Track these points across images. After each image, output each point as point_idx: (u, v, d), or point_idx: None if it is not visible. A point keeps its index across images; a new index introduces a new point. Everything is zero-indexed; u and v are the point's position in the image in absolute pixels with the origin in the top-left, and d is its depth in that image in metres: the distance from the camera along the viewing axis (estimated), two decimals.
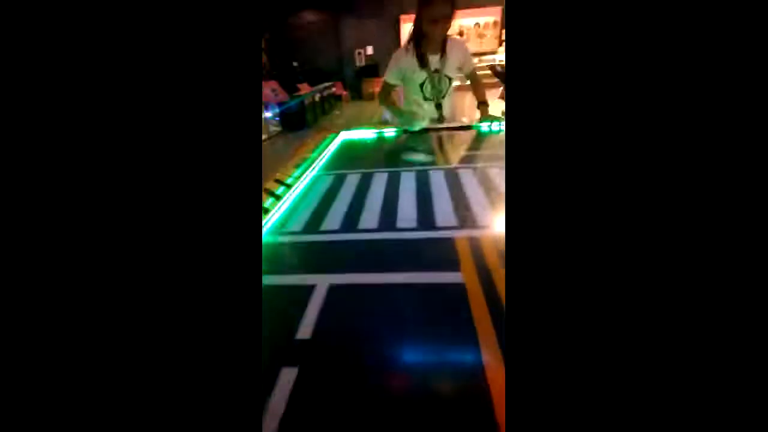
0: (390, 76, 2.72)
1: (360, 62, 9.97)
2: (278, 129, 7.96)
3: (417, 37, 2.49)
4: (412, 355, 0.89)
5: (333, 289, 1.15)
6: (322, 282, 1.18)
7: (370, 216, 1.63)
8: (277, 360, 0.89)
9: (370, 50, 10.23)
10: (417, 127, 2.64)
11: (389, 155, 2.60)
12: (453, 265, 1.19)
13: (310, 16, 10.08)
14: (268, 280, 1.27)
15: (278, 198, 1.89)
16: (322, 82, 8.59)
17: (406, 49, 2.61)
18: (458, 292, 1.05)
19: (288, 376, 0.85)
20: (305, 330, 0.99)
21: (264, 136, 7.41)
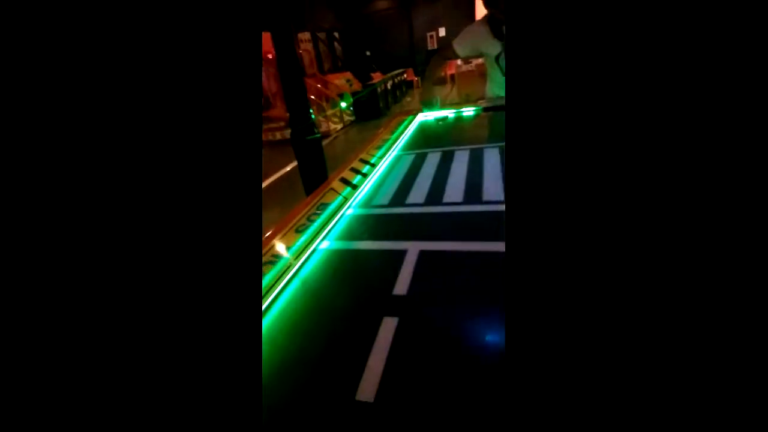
0: (458, 44, 2.59)
1: (432, 45, 9.73)
2: (352, 119, 8.17)
3: (491, 2, 2.38)
4: (494, 310, 0.92)
5: (423, 254, 1.22)
6: (412, 248, 1.26)
7: (454, 191, 1.66)
8: (378, 311, 1.00)
9: (442, 32, 9.90)
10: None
11: (469, 133, 2.57)
12: None
13: (381, 4, 10.16)
14: (363, 245, 1.39)
15: (365, 176, 2.02)
16: (394, 69, 8.62)
17: (482, 21, 2.51)
18: None
19: (390, 323, 0.95)
20: (401, 287, 1.08)
21: (339, 126, 7.65)
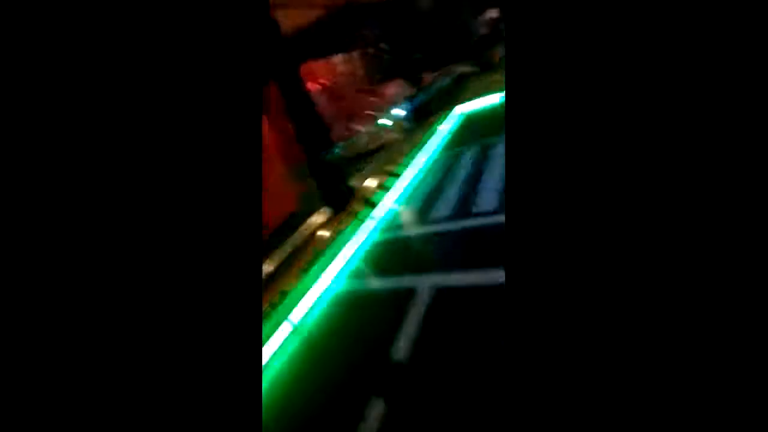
0: None
1: (486, 30, 9.09)
2: (410, 126, 8.09)
3: None
4: None
5: (438, 294, 0.91)
6: (422, 284, 0.96)
7: (489, 195, 1.31)
8: (364, 387, 0.73)
9: (494, 13, 9.17)
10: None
11: None
12: None
13: (424, 3, 9.79)
14: (373, 284, 1.14)
15: (387, 189, 1.77)
16: (446, 65, 8.30)
17: None
18: None
19: (376, 410, 0.67)
20: (400, 348, 0.80)
21: (396, 134, 7.66)
